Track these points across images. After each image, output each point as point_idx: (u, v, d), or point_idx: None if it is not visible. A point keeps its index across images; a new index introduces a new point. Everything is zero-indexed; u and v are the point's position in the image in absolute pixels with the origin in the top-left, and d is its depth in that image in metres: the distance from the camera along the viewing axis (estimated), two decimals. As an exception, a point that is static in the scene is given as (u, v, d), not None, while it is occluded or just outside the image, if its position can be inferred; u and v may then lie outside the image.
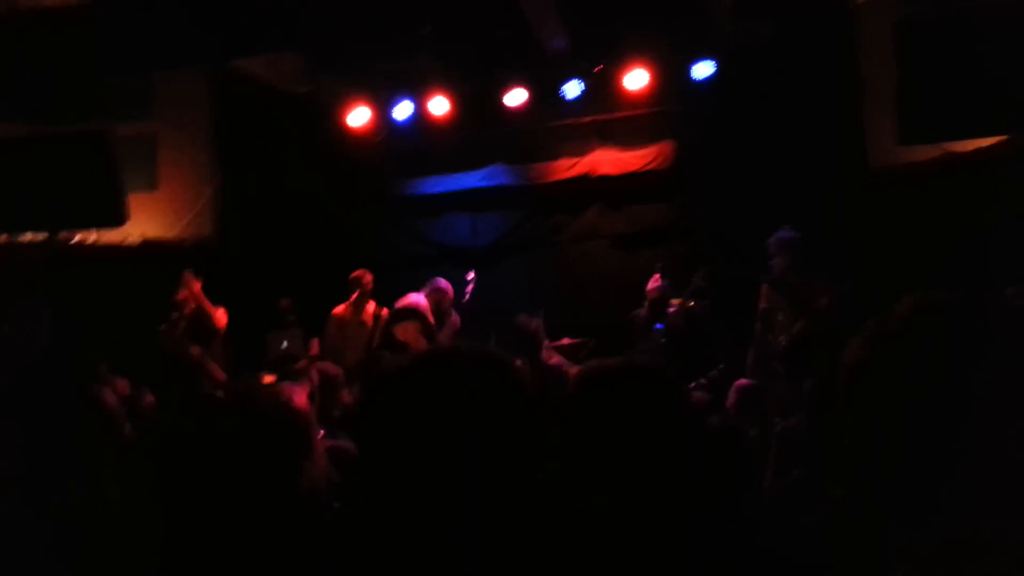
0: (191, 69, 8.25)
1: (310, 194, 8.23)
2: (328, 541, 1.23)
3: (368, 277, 6.40)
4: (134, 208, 5.17)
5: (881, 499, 1.07)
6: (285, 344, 7.01)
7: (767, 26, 7.20)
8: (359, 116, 8.13)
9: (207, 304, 5.88)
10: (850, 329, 1.18)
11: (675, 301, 5.85)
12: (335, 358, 5.65)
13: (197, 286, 5.92)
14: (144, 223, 7.63)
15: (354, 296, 6.38)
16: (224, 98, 8.42)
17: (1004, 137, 5.53)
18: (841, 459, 1.22)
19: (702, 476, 1.33)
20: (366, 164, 8.43)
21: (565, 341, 6.07)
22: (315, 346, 6.82)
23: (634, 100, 7.76)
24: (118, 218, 5.03)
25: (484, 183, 8.45)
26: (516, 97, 7.80)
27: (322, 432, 3.10)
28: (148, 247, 7.89)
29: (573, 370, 1.98)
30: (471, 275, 6.58)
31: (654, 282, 6.00)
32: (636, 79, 7.53)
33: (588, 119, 8.19)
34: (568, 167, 8.27)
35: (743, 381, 3.97)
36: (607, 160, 8.17)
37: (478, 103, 7.98)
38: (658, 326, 5.56)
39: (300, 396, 2.79)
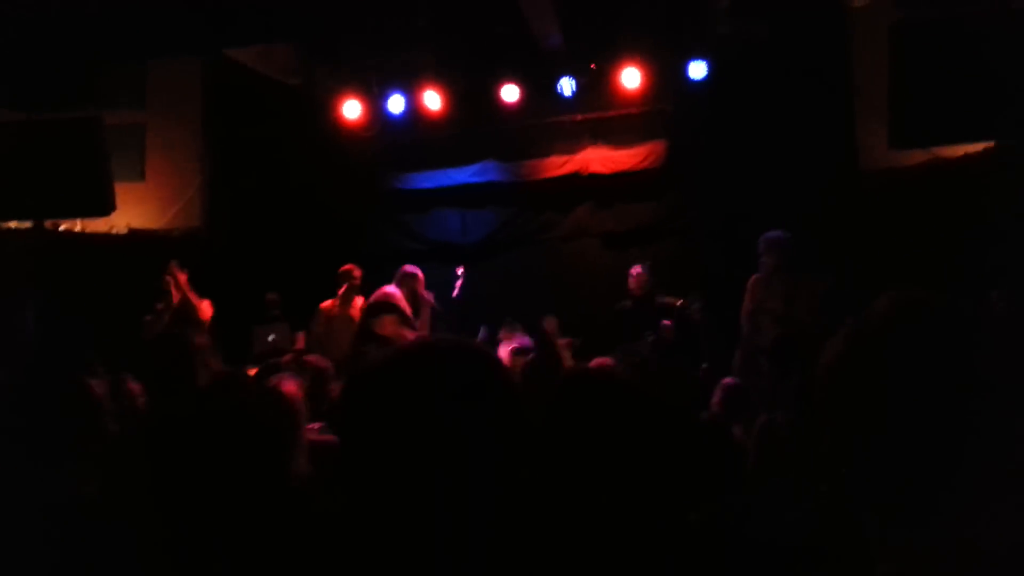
0: (184, 58, 8.20)
1: (300, 186, 8.19)
2: (313, 531, 1.22)
3: (357, 272, 6.37)
4: (121, 198, 5.13)
5: (861, 496, 1.07)
6: (271, 337, 6.98)
7: (762, 27, 7.21)
8: (352, 109, 8.09)
9: (193, 295, 5.84)
10: (833, 326, 1.19)
11: (667, 300, 5.85)
12: (322, 352, 5.63)
13: (183, 277, 5.88)
14: (131, 213, 7.59)
15: (342, 290, 6.35)
16: (216, 88, 8.38)
17: (992, 143, 5.58)
18: (823, 455, 1.22)
19: (686, 473, 1.33)
20: (358, 157, 8.40)
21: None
22: (301, 340, 6.80)
23: (627, 99, 7.77)
24: (105, 207, 5.00)
25: (475, 179, 8.43)
26: (510, 93, 7.79)
27: (319, 425, 3.08)
28: (135, 237, 7.85)
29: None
30: (460, 271, 6.56)
31: (636, 274, 5.98)
32: (630, 78, 7.53)
33: (581, 117, 8.18)
34: (560, 164, 8.26)
35: (729, 379, 3.97)
36: (599, 158, 8.17)
37: (471, 98, 7.96)
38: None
39: (291, 386, 2.78)
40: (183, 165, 8.47)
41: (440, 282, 6.68)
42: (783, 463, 2.54)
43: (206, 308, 5.92)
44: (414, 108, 8.02)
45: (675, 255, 7.53)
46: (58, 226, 7.10)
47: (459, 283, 6.47)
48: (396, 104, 8.05)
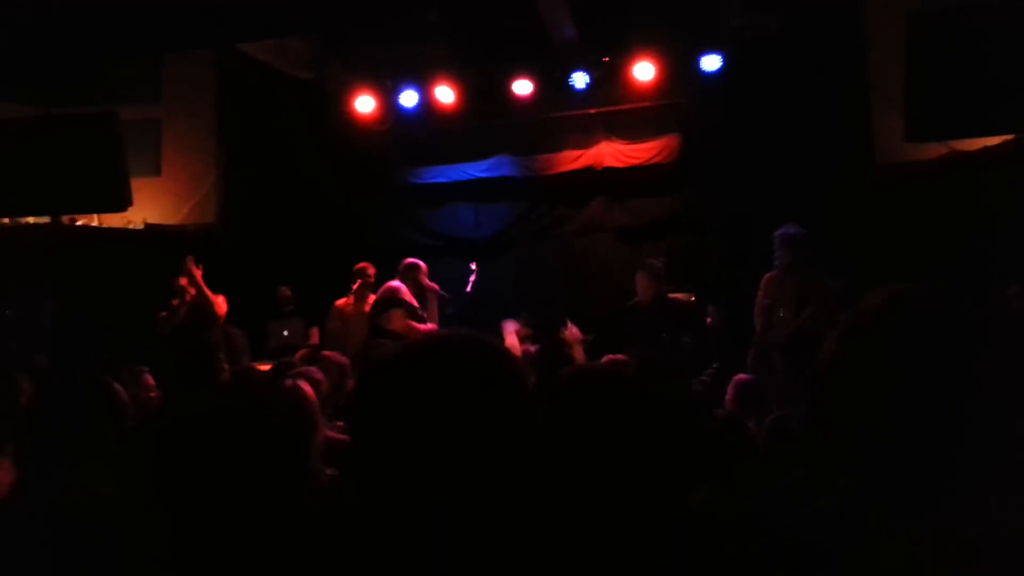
0: (198, 53, 8.23)
1: (314, 181, 8.22)
2: (327, 528, 1.23)
3: (371, 269, 6.39)
4: (137, 193, 5.17)
5: (862, 491, 1.07)
6: (286, 332, 7.02)
7: (776, 20, 7.15)
8: (365, 103, 8.10)
9: (208, 291, 5.88)
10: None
11: (675, 296, 5.82)
12: (335, 348, 5.65)
13: (198, 272, 5.92)
14: (147, 208, 7.64)
15: (356, 286, 6.37)
16: (230, 83, 8.40)
17: (1011, 136, 5.51)
18: (828, 452, 1.21)
19: (686, 467, 1.33)
20: (371, 152, 8.41)
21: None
22: (315, 335, 6.83)
23: (641, 92, 7.73)
24: (121, 202, 5.03)
25: (488, 173, 8.42)
26: (523, 87, 7.77)
27: (342, 424, 3.09)
28: (151, 232, 7.90)
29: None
30: (473, 266, 6.56)
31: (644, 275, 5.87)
32: (643, 71, 7.49)
33: (594, 111, 8.15)
34: (573, 159, 8.24)
35: (741, 376, 3.95)
36: (612, 152, 8.14)
37: (484, 93, 7.95)
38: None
39: (306, 385, 2.79)
40: (198, 160, 8.52)
41: (453, 277, 6.68)
42: (792, 459, 2.53)
43: (221, 303, 5.96)
44: (427, 102, 8.02)
45: (689, 249, 7.50)
46: (75, 221, 7.16)
47: (472, 278, 6.47)
48: (409, 98, 8.05)
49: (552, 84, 7.80)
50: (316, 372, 3.10)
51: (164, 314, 5.98)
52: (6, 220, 6.22)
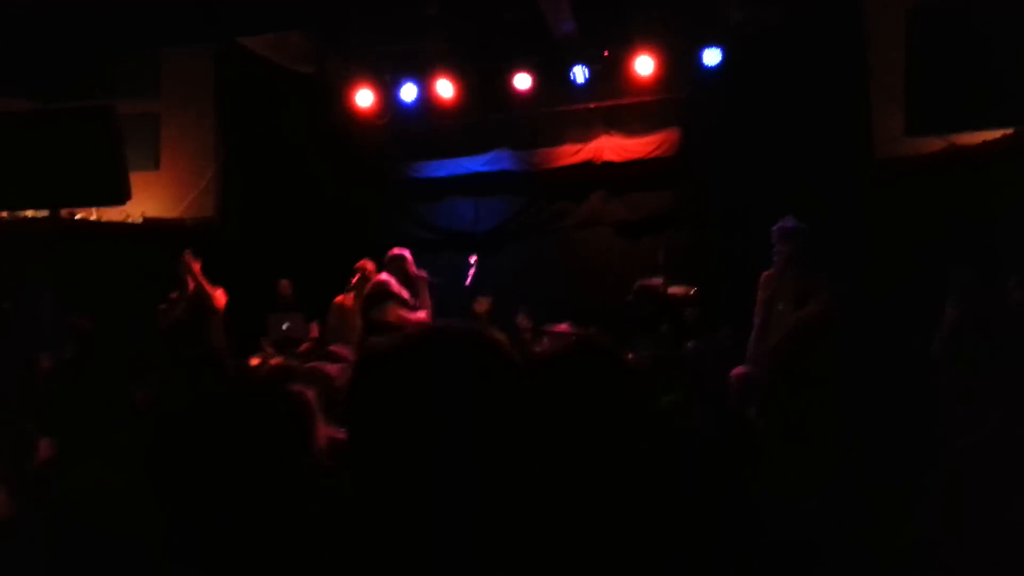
0: (197, 48, 8.22)
1: (313, 175, 8.21)
2: (327, 522, 1.23)
3: (371, 265, 6.37)
4: (136, 187, 5.16)
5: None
6: (286, 325, 7.01)
7: (776, 14, 7.14)
8: (364, 97, 8.09)
9: (207, 284, 5.87)
10: (843, 329, 1.26)
11: (675, 289, 5.82)
12: (337, 343, 5.65)
13: (197, 266, 5.91)
14: (146, 202, 7.63)
15: (355, 280, 6.36)
16: (228, 77, 8.39)
17: (1010, 131, 5.50)
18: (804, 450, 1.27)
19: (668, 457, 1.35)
20: (370, 146, 8.40)
21: (564, 328, 6.03)
22: (315, 329, 6.83)
23: (641, 86, 7.72)
24: (120, 196, 5.03)
25: (488, 168, 8.41)
26: (523, 81, 7.76)
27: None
28: (150, 226, 7.90)
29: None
30: (473, 259, 6.56)
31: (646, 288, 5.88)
32: (644, 65, 7.48)
33: (594, 105, 8.14)
34: (573, 153, 8.23)
35: (740, 369, 3.96)
36: (612, 146, 8.13)
37: (484, 87, 7.94)
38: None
39: (333, 369, 2.78)
40: (197, 154, 8.51)
41: (453, 271, 6.68)
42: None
43: (220, 297, 5.95)
44: (426, 97, 8.00)
45: (688, 243, 7.49)
46: (74, 215, 7.15)
47: (472, 272, 6.46)
48: (408, 93, 8.04)
49: (552, 78, 7.79)
50: (328, 367, 3.07)
51: (163, 307, 5.97)
52: (4, 214, 6.21)
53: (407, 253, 5.89)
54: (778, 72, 7.07)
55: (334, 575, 1.12)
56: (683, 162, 7.82)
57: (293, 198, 8.18)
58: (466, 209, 8.66)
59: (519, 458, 1.03)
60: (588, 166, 8.18)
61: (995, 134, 5.78)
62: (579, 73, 7.66)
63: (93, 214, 7.45)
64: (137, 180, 5.30)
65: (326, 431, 2.74)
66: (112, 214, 7.39)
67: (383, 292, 5.58)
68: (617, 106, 8.13)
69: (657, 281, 5.87)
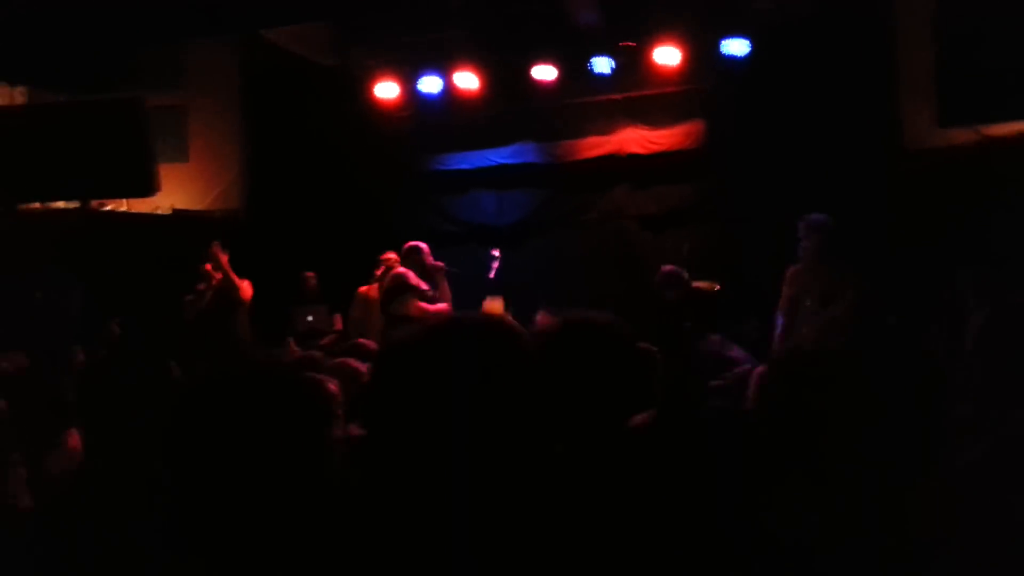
0: (221, 40, 8.27)
1: (337, 168, 8.24)
2: (342, 514, 1.23)
3: (396, 258, 6.41)
4: (165, 179, 5.22)
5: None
6: (310, 318, 7.07)
7: (805, 4, 7.03)
8: (387, 89, 8.10)
9: (233, 276, 5.93)
10: (870, 325, 1.29)
11: (699, 284, 5.77)
12: (360, 335, 5.69)
13: (225, 258, 5.97)
14: (175, 194, 7.72)
15: (379, 272, 6.40)
16: (252, 70, 8.44)
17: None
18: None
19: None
20: (393, 138, 8.42)
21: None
22: (339, 321, 6.87)
23: (665, 78, 7.63)
24: (149, 188, 5.09)
25: (511, 160, 8.39)
26: (545, 73, 7.72)
27: None
28: (179, 217, 7.98)
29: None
30: (496, 252, 6.56)
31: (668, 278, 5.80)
32: (667, 56, 7.40)
33: (617, 96, 8.07)
34: (596, 145, 8.18)
35: (763, 368, 3.92)
36: (635, 139, 8.07)
37: (506, 79, 7.91)
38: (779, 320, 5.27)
39: (362, 365, 2.79)
40: (224, 146, 8.58)
41: (476, 264, 6.69)
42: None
43: (247, 288, 6.02)
44: (449, 88, 8.00)
45: (713, 237, 7.42)
46: (103, 206, 7.25)
47: (495, 265, 6.47)
48: (431, 84, 8.04)
49: (575, 69, 7.73)
50: (354, 362, 3.08)
51: (190, 298, 6.05)
52: (36, 205, 6.31)
53: (423, 245, 5.92)
54: (805, 63, 6.96)
55: (348, 567, 1.12)
56: (708, 154, 7.74)
57: (317, 190, 8.22)
58: (489, 202, 8.64)
59: (536, 449, 1.03)
60: (612, 159, 8.13)
61: (1028, 125, 5.67)
62: (602, 64, 7.60)
63: (123, 205, 7.54)
64: (167, 172, 5.37)
65: (348, 427, 2.77)
66: (141, 205, 7.48)
67: (401, 285, 5.62)
68: (641, 97, 8.05)
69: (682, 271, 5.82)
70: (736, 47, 7.28)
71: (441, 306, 5.76)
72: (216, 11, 6.39)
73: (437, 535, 0.99)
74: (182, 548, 1.17)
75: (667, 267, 5.79)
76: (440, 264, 5.95)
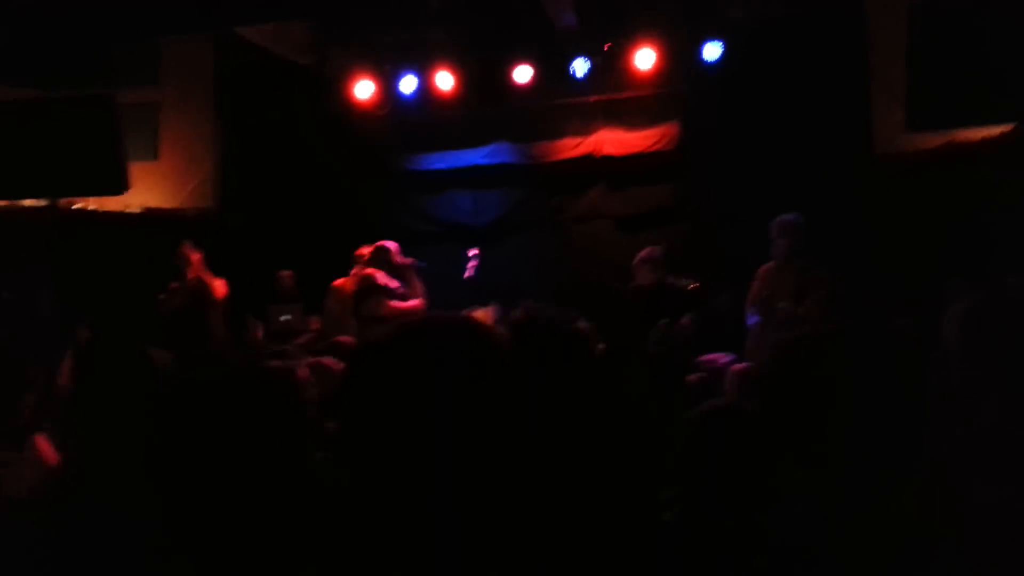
0: (197, 37, 8.19)
1: (313, 166, 8.19)
2: (321, 512, 1.23)
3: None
4: (136, 177, 5.15)
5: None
6: (285, 317, 7.01)
7: (777, 7, 7.12)
8: (364, 89, 8.07)
9: (207, 275, 5.87)
10: (841, 325, 1.30)
11: (675, 282, 5.81)
12: (337, 329, 5.66)
13: (197, 257, 5.90)
14: (145, 192, 7.61)
15: (356, 269, 6.36)
16: (228, 67, 8.36)
17: (1011, 126, 5.50)
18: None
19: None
20: (370, 138, 8.38)
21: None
22: (315, 322, 6.82)
23: (641, 80, 7.70)
24: (120, 186, 5.02)
25: (487, 160, 8.40)
26: (523, 74, 7.74)
27: None
28: (149, 216, 7.88)
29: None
30: (473, 252, 6.56)
31: (648, 257, 5.83)
32: (644, 59, 7.46)
33: (594, 98, 8.12)
34: (572, 146, 8.22)
35: (740, 365, 3.96)
36: (612, 140, 8.12)
37: (484, 79, 7.92)
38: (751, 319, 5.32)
39: (303, 369, 2.78)
40: (197, 144, 8.48)
41: (453, 263, 6.68)
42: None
43: (220, 287, 5.95)
44: (427, 88, 7.99)
45: (688, 238, 7.49)
46: (72, 205, 7.13)
47: (472, 264, 6.46)
48: (408, 84, 8.02)
49: (552, 71, 7.77)
50: (332, 363, 3.06)
51: (162, 297, 5.97)
52: (3, 203, 6.20)
53: (390, 244, 5.92)
54: (778, 66, 7.06)
55: (329, 567, 1.12)
56: (683, 156, 7.81)
57: (293, 189, 8.16)
58: (465, 202, 8.64)
59: (512, 447, 1.03)
60: (588, 160, 8.17)
61: (995, 130, 5.78)
62: (579, 66, 7.64)
63: (92, 204, 7.43)
64: (137, 170, 5.29)
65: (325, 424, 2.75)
66: (111, 204, 7.38)
67: (370, 287, 5.61)
68: (617, 99, 8.10)
69: (685, 282, 5.89)
70: (710, 51, 7.36)
71: (414, 303, 5.76)
72: (192, 8, 6.33)
73: (413, 533, 0.99)
74: (167, 546, 1.16)
75: (648, 249, 5.85)
76: (409, 261, 5.95)
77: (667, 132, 7.94)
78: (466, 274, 6.42)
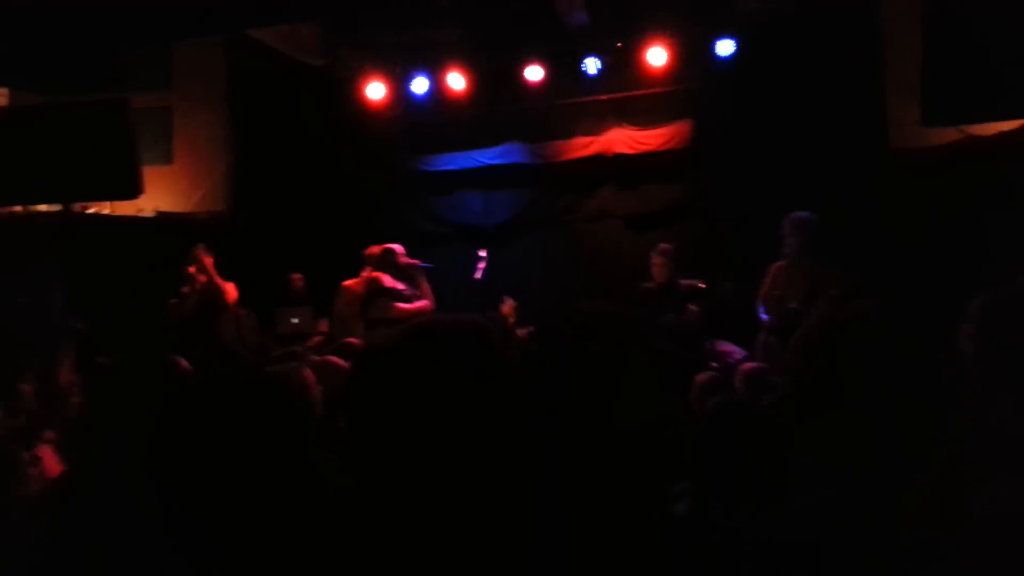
0: (208, 40, 8.23)
1: (325, 169, 8.22)
2: (325, 512, 1.23)
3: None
4: (149, 181, 5.17)
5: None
6: (295, 320, 7.04)
7: (790, 3, 7.07)
8: (375, 90, 8.09)
9: (218, 278, 5.90)
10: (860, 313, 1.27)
11: (685, 282, 5.79)
12: (345, 331, 5.67)
13: (209, 261, 5.93)
14: (159, 196, 7.67)
15: (365, 270, 6.37)
16: (240, 70, 8.40)
17: (1028, 121, 5.43)
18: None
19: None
20: (381, 139, 8.40)
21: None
22: (325, 323, 6.85)
23: (653, 78, 7.67)
24: (133, 190, 5.04)
25: (499, 161, 8.39)
26: (534, 73, 7.73)
27: None
28: (163, 220, 7.93)
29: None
30: (483, 253, 6.56)
31: (658, 262, 5.84)
32: (656, 56, 7.43)
33: (605, 97, 8.09)
34: (583, 146, 8.20)
35: (750, 364, 3.94)
36: (623, 139, 8.09)
37: (495, 79, 7.92)
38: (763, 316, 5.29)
39: (308, 372, 2.79)
40: (210, 148, 8.53)
41: (463, 264, 6.68)
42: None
43: (232, 291, 5.98)
44: (438, 89, 8.00)
45: (700, 237, 7.45)
46: (86, 209, 7.20)
47: (482, 265, 6.46)
48: (420, 85, 8.03)
49: (563, 70, 7.75)
50: (341, 362, 3.06)
51: (174, 301, 6.00)
52: (18, 208, 6.25)
53: (396, 247, 5.95)
54: (792, 62, 7.00)
55: (333, 568, 1.12)
56: (695, 154, 7.77)
57: (304, 192, 8.19)
58: (476, 202, 8.64)
59: (517, 448, 1.03)
60: (599, 159, 8.14)
61: (1010, 125, 5.71)
62: (591, 65, 7.61)
63: (106, 208, 7.49)
64: (150, 174, 5.31)
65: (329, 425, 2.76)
66: (125, 208, 7.43)
67: (376, 290, 5.64)
68: (629, 98, 8.08)
69: (695, 281, 5.89)
70: (723, 47, 7.32)
71: (421, 304, 5.76)
72: (203, 11, 6.35)
73: (416, 534, 0.99)
74: (172, 548, 1.16)
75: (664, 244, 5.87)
76: (415, 262, 5.96)
77: (679, 130, 7.90)
78: (475, 275, 6.41)
